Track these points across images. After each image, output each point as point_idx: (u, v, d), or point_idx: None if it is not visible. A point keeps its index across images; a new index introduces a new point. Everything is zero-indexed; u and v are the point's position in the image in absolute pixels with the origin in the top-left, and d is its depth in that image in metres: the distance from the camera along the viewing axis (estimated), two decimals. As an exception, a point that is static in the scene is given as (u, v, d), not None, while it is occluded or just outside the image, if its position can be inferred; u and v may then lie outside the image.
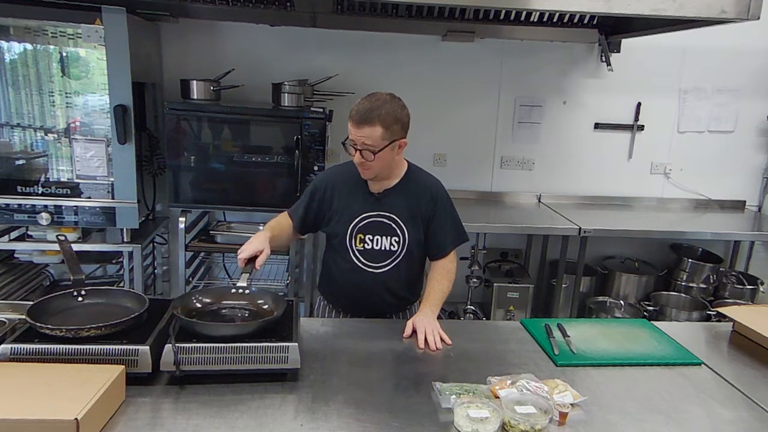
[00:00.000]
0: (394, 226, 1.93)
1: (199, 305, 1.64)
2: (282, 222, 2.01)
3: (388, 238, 1.94)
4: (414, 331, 1.78)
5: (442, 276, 1.97)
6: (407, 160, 2.00)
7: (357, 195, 1.94)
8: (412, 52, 3.38)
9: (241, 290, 1.69)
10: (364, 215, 1.93)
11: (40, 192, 2.73)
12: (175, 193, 2.90)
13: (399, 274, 1.96)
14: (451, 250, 2.00)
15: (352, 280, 1.95)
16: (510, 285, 3.29)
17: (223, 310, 1.65)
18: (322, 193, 1.97)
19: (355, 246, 1.94)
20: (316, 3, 2.98)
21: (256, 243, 1.76)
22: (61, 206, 2.74)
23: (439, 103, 3.47)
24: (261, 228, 3.14)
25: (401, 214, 1.93)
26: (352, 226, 1.93)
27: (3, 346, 1.37)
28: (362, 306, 1.98)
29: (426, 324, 1.77)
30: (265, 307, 1.65)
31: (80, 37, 2.58)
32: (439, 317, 1.87)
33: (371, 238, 1.93)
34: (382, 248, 1.94)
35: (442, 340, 1.75)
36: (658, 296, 3.43)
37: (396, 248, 1.94)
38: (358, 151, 1.81)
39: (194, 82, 2.95)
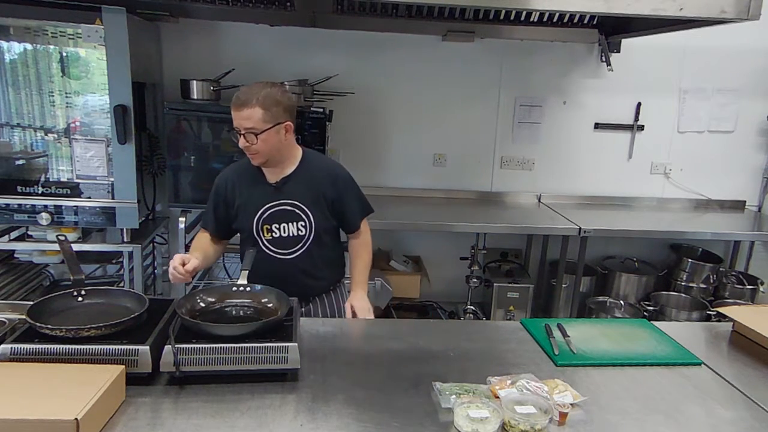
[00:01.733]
0: (297, 211, 1.98)
1: (203, 304, 1.65)
2: (201, 239, 2.06)
3: (294, 224, 1.99)
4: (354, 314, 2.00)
5: (360, 250, 2.13)
6: (303, 147, 2.05)
7: (257, 187, 1.98)
8: (412, 52, 3.38)
9: (242, 288, 1.70)
10: (267, 206, 1.97)
11: (40, 192, 2.73)
12: (175, 193, 2.90)
13: (312, 257, 2.03)
14: (360, 224, 2.12)
15: (268, 269, 1.97)
16: (510, 285, 3.29)
17: (227, 309, 1.66)
18: (223, 192, 2.01)
19: (264, 236, 1.99)
20: (316, 3, 2.98)
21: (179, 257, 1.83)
22: (61, 206, 2.74)
23: (439, 103, 3.47)
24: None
25: (303, 199, 1.98)
26: (256, 218, 1.97)
27: (3, 346, 1.37)
28: (284, 292, 1.90)
29: (356, 303, 2.02)
30: (269, 305, 1.66)
31: (80, 37, 2.58)
32: (438, 316, 1.89)
33: (277, 226, 1.99)
34: (290, 234, 1.99)
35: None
36: (658, 296, 3.43)
37: (304, 232, 2.00)
38: (242, 136, 1.84)
39: (194, 82, 2.95)
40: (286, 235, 1.99)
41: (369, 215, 2.15)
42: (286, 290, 1.78)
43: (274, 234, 1.98)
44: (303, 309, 2.00)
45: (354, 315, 2.01)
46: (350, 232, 2.14)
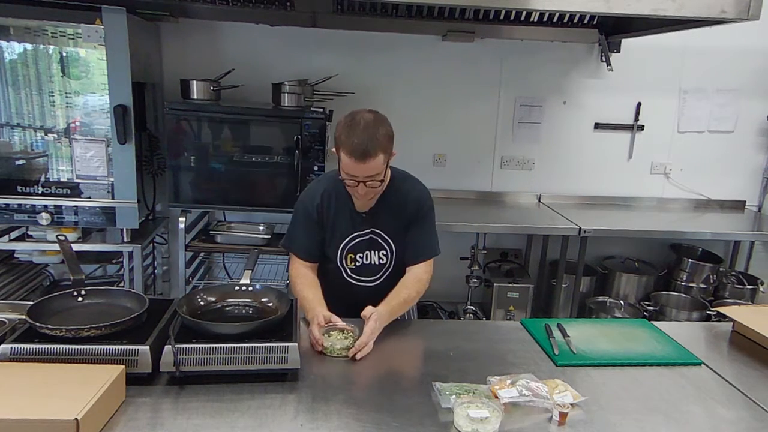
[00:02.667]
0: (380, 241, 1.93)
1: (203, 303, 1.66)
2: (303, 272, 1.91)
3: (377, 252, 1.94)
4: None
5: (412, 283, 1.90)
6: (390, 166, 1.91)
7: (344, 214, 1.90)
8: (412, 52, 3.38)
9: (244, 288, 1.70)
10: (353, 235, 1.91)
11: (40, 192, 2.73)
12: (175, 193, 2.89)
13: (391, 284, 1.91)
14: (423, 261, 1.94)
15: (347, 293, 1.94)
16: (510, 285, 3.29)
17: (228, 308, 1.66)
18: (316, 214, 1.90)
19: (347, 264, 1.94)
20: (316, 3, 2.98)
21: (318, 309, 1.72)
22: (61, 206, 2.74)
23: (439, 103, 3.47)
24: (261, 228, 3.18)
25: (387, 229, 1.92)
26: (342, 246, 1.92)
27: (3, 346, 1.37)
28: (357, 313, 1.84)
29: (373, 322, 1.68)
30: (270, 305, 1.66)
31: (80, 37, 2.58)
32: (438, 316, 1.87)
33: (361, 255, 1.94)
34: (372, 263, 1.95)
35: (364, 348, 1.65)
36: (658, 296, 3.43)
37: (385, 261, 1.96)
38: (360, 184, 1.73)
39: (194, 82, 2.95)
40: (368, 263, 1.94)
41: (432, 257, 1.97)
42: (359, 311, 1.74)
43: (357, 263, 1.94)
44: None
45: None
46: (410, 264, 1.94)
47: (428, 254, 1.96)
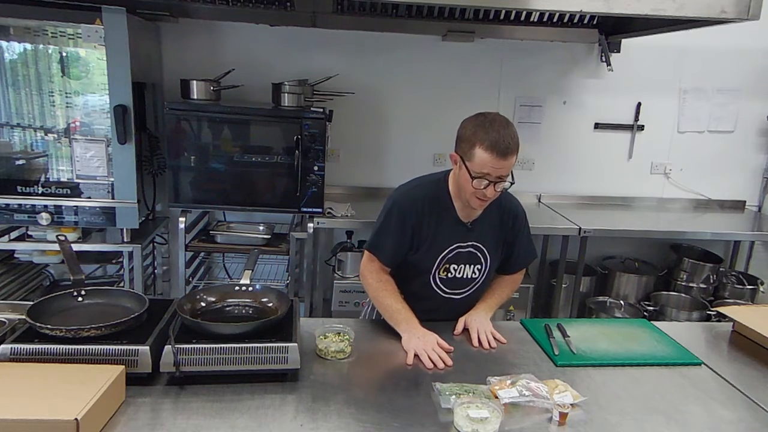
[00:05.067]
0: (479, 255, 1.87)
1: (203, 304, 1.65)
2: (385, 278, 1.83)
3: (472, 266, 1.87)
4: (465, 329, 1.80)
5: (507, 284, 1.98)
6: None
7: (447, 223, 1.81)
8: (412, 52, 3.38)
9: (244, 288, 1.70)
10: (455, 245, 1.82)
11: (40, 192, 2.73)
12: (175, 193, 2.89)
13: (474, 298, 1.92)
14: (522, 269, 2.01)
15: (426, 303, 1.85)
16: (510, 285, 3.29)
17: (228, 308, 1.66)
18: (412, 218, 1.78)
19: (439, 275, 1.85)
20: (316, 3, 2.98)
21: (425, 338, 1.67)
22: (61, 206, 2.74)
23: (439, 103, 3.47)
24: (261, 228, 3.18)
25: (488, 242, 1.87)
26: (441, 257, 1.82)
27: (3, 346, 1.37)
28: (426, 321, 1.78)
29: (479, 324, 1.78)
30: (270, 305, 1.66)
31: (80, 37, 2.58)
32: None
33: (456, 267, 1.85)
34: (464, 276, 1.88)
35: (496, 339, 1.76)
36: (658, 296, 3.43)
37: (477, 276, 1.89)
38: (491, 184, 1.66)
39: (194, 82, 2.95)
40: (460, 276, 1.86)
41: (532, 261, 2.01)
42: (428, 320, 1.75)
43: (449, 274, 1.85)
44: None
45: (463, 332, 1.80)
46: (507, 274, 1.98)
47: (528, 261, 2.01)
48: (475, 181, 1.66)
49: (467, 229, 1.83)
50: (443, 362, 1.60)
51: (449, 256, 1.83)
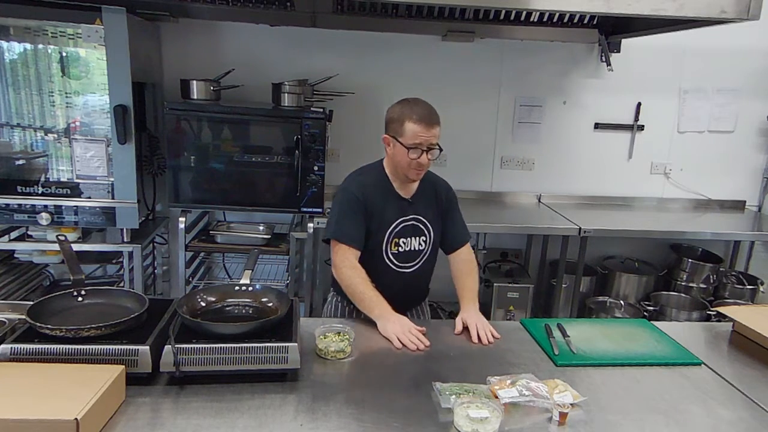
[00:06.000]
0: (422, 227, 2.02)
1: (203, 303, 1.65)
2: (356, 265, 1.91)
3: (418, 238, 2.02)
4: (464, 328, 1.86)
5: (469, 269, 2.08)
6: None
7: (390, 201, 1.97)
8: (412, 52, 3.38)
9: (244, 288, 1.70)
10: (400, 220, 1.98)
11: (40, 192, 2.73)
12: (175, 193, 2.89)
13: (424, 272, 2.08)
14: (463, 245, 2.10)
15: (382, 281, 1.93)
16: (510, 285, 3.29)
17: (228, 308, 1.66)
18: (363, 203, 1.93)
19: (390, 250, 1.99)
20: (316, 3, 2.98)
21: (400, 322, 1.79)
22: (61, 206, 2.74)
23: (439, 103, 3.39)
24: (261, 228, 3.18)
25: (427, 215, 2.03)
26: (389, 232, 1.97)
27: (3, 346, 1.37)
28: (391, 303, 1.89)
29: (476, 320, 1.87)
30: (270, 305, 1.66)
31: (80, 37, 2.58)
32: (440, 317, 1.89)
33: (405, 240, 2.00)
34: (412, 249, 2.02)
35: (492, 335, 1.83)
36: (658, 296, 3.43)
37: (423, 247, 2.04)
38: (424, 153, 1.87)
39: (194, 82, 2.95)
40: (409, 249, 2.01)
41: (468, 240, 2.13)
42: (394, 301, 1.85)
43: (400, 248, 1.99)
44: None
45: (463, 329, 1.87)
46: (452, 251, 2.11)
47: (466, 238, 2.12)
48: (411, 152, 1.86)
49: (408, 203, 2.00)
50: (422, 343, 1.72)
51: (396, 230, 1.98)
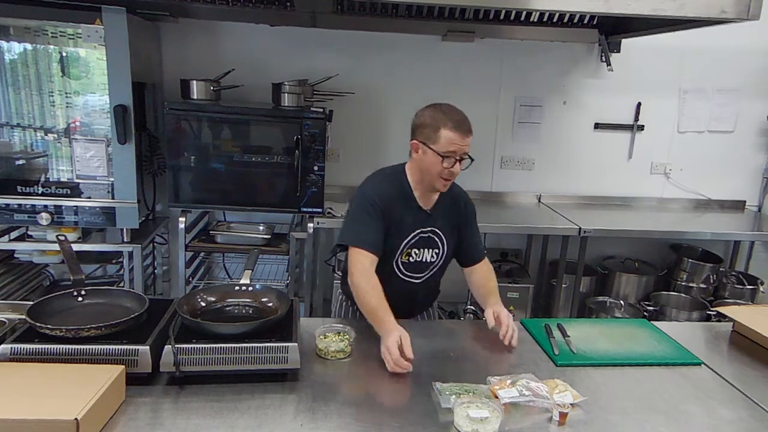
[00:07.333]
0: (437, 240, 1.97)
1: (203, 303, 1.66)
2: (371, 271, 1.81)
3: (431, 250, 1.97)
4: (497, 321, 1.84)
5: (491, 274, 2.06)
6: None
7: (409, 210, 1.91)
8: (412, 52, 3.38)
9: (244, 288, 1.70)
10: (417, 231, 1.93)
11: (40, 192, 2.73)
12: (175, 193, 2.89)
13: (432, 282, 2.05)
14: (482, 259, 2.07)
15: (389, 288, 1.83)
16: (510, 285, 3.29)
17: (228, 308, 1.66)
18: (381, 209, 1.86)
19: (401, 260, 1.95)
20: (316, 3, 2.97)
21: (396, 334, 1.62)
22: (61, 206, 2.74)
23: (439, 103, 3.46)
24: (261, 228, 3.19)
25: (445, 227, 1.98)
26: (405, 242, 1.92)
27: (3, 346, 1.37)
28: (393, 309, 1.79)
29: (509, 321, 1.82)
30: (270, 305, 1.66)
31: (80, 37, 2.58)
32: (440, 317, 1.89)
33: (417, 251, 1.96)
34: (423, 260, 1.97)
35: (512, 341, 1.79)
36: (658, 296, 3.43)
37: (435, 259, 1.99)
38: (456, 162, 1.81)
39: (194, 82, 2.95)
40: (420, 260, 1.97)
41: (485, 256, 2.10)
42: (401, 306, 1.79)
43: (411, 258, 1.95)
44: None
45: (496, 323, 1.84)
46: (469, 264, 2.06)
47: (482, 255, 2.08)
48: (445, 161, 1.79)
49: (427, 215, 1.94)
50: (400, 366, 1.57)
51: (412, 241, 1.93)
